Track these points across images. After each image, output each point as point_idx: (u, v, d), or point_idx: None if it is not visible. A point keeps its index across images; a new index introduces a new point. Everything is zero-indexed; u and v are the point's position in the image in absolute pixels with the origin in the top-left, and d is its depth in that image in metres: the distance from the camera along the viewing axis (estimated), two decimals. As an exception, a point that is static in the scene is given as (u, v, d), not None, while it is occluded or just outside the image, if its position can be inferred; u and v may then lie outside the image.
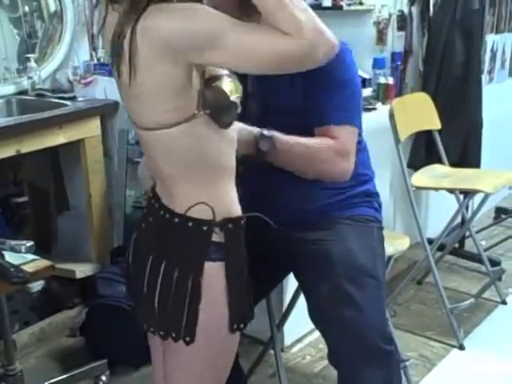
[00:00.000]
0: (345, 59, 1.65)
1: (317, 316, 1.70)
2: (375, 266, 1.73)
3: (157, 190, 1.37)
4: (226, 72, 1.27)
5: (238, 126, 1.38)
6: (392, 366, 1.67)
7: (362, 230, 1.74)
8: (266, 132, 1.58)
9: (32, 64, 2.73)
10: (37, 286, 2.48)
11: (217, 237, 1.29)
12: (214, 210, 1.29)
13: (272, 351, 2.17)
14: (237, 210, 1.34)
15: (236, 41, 1.14)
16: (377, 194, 1.85)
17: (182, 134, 1.23)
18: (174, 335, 1.31)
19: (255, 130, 1.58)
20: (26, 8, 2.81)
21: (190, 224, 1.29)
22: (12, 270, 1.59)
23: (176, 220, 1.29)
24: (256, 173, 1.66)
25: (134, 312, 1.44)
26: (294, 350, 2.61)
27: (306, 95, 1.64)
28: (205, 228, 1.29)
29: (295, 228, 1.71)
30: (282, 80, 1.49)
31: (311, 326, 2.53)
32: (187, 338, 1.30)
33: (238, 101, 1.26)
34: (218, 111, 1.24)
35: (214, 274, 1.30)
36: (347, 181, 1.70)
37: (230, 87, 1.25)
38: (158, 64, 1.17)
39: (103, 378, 2.32)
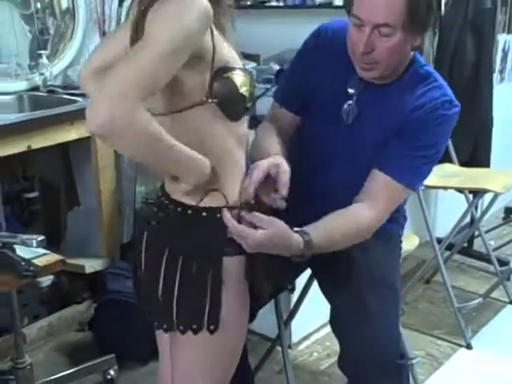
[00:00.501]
0: (447, 126, 1.58)
1: (335, 320, 1.71)
2: (395, 278, 1.73)
3: (166, 186, 1.38)
4: (240, 65, 1.28)
5: (283, 228, 1.35)
6: (402, 381, 1.68)
7: (388, 243, 1.72)
8: (306, 249, 1.41)
9: (44, 60, 2.75)
10: (47, 280, 2.49)
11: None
12: (226, 198, 1.30)
13: (279, 348, 2.18)
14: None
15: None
16: (404, 210, 1.82)
17: (190, 120, 1.25)
18: (194, 327, 1.31)
19: (299, 244, 1.40)
20: (38, 5, 2.82)
21: (204, 214, 1.29)
22: (23, 263, 1.61)
23: (189, 212, 1.30)
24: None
25: (143, 309, 1.44)
26: (301, 347, 2.61)
27: (394, 135, 1.57)
28: (218, 215, 1.29)
29: None
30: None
31: (318, 323, 2.58)
32: (211, 327, 1.30)
33: (247, 94, 1.27)
34: (226, 102, 1.25)
35: (231, 266, 1.31)
36: None
37: (241, 80, 1.26)
38: None
39: (111, 372, 2.33)
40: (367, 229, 1.55)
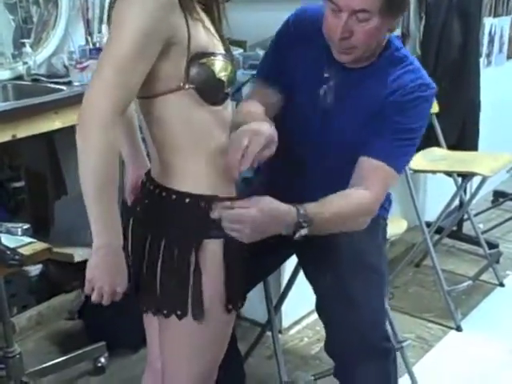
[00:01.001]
0: (423, 107, 1.60)
1: (319, 305, 1.72)
2: (380, 262, 1.74)
3: (152, 173, 1.38)
4: (220, 51, 1.28)
5: (276, 208, 1.35)
6: (388, 363, 1.68)
7: (372, 226, 1.68)
8: (302, 220, 1.40)
9: (27, 49, 2.71)
10: (35, 269, 2.49)
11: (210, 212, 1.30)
12: (213, 186, 1.30)
13: (269, 333, 2.18)
14: (232, 191, 1.36)
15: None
16: (389, 194, 1.80)
17: (170, 104, 1.26)
18: (179, 313, 1.32)
19: (293, 213, 1.39)
20: (22, -7, 2.80)
21: (187, 200, 1.30)
22: (8, 252, 1.60)
23: (173, 197, 1.30)
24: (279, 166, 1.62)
25: (131, 295, 1.43)
26: (292, 331, 2.62)
27: (369, 129, 1.58)
28: (202, 204, 1.29)
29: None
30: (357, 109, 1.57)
31: (309, 308, 2.58)
32: (195, 313, 1.31)
33: (225, 79, 1.28)
34: (203, 87, 1.25)
35: (212, 251, 1.31)
36: None
37: (220, 65, 1.27)
38: None
39: (102, 359, 2.33)
40: (368, 208, 1.54)
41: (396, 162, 1.58)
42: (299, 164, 1.68)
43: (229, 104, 1.36)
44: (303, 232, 1.41)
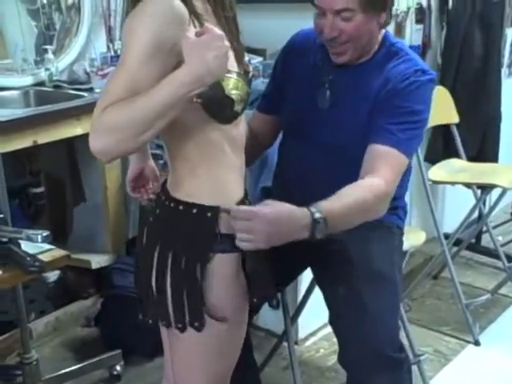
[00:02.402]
0: (423, 91, 1.61)
1: (331, 317, 1.71)
2: (393, 272, 1.72)
3: (167, 184, 1.38)
4: (234, 68, 1.27)
5: (287, 208, 1.30)
6: (402, 374, 1.67)
7: (384, 236, 1.72)
8: (317, 215, 1.33)
9: (49, 56, 2.74)
10: (53, 275, 2.50)
11: (224, 226, 1.29)
12: (219, 197, 1.30)
13: (286, 344, 2.17)
14: (238, 199, 1.35)
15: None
16: (404, 203, 1.82)
17: (180, 116, 1.22)
18: (180, 325, 1.32)
19: (307, 217, 1.33)
20: (44, 0, 2.82)
21: (194, 211, 1.29)
22: (28, 259, 1.60)
23: (181, 207, 1.31)
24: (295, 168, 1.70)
25: (142, 308, 1.43)
26: (308, 343, 2.61)
27: (374, 113, 1.60)
28: (209, 214, 1.29)
29: None
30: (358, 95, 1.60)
31: (325, 319, 2.54)
32: (196, 324, 1.31)
33: (236, 97, 1.25)
34: (210, 104, 1.23)
35: (221, 264, 1.31)
36: None
37: (232, 83, 1.24)
38: None
39: (117, 367, 2.34)
40: (384, 193, 1.49)
41: (403, 146, 1.58)
42: (310, 169, 1.70)
43: (240, 122, 1.34)
44: (321, 229, 1.33)
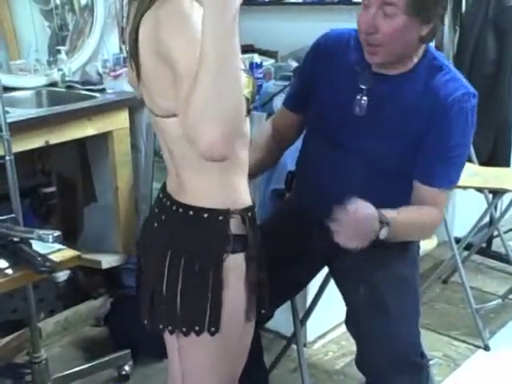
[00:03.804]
0: (470, 119, 1.60)
1: (352, 319, 1.71)
2: (414, 275, 1.73)
3: (168, 188, 1.36)
4: (242, 67, 1.25)
5: (371, 210, 1.48)
6: (423, 380, 1.66)
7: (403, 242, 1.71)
8: (384, 219, 1.50)
9: (62, 56, 2.76)
10: (63, 275, 2.50)
11: (234, 227, 1.29)
12: (228, 199, 1.29)
13: (294, 346, 2.17)
14: (248, 199, 1.34)
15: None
16: None
17: None
18: (197, 329, 1.30)
19: (376, 213, 1.50)
20: (58, 1, 2.84)
21: (206, 215, 1.28)
22: (39, 259, 1.61)
23: (190, 213, 1.29)
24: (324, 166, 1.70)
25: (144, 314, 1.40)
26: (317, 345, 2.60)
27: (419, 147, 1.60)
28: (220, 218, 1.28)
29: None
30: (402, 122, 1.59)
31: (334, 322, 2.56)
32: (212, 329, 1.30)
33: (249, 96, 1.24)
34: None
35: (234, 264, 1.30)
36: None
37: (244, 82, 1.22)
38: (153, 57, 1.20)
39: (126, 367, 2.34)
40: (436, 221, 1.65)
41: (451, 182, 1.64)
42: (329, 175, 1.69)
43: (247, 121, 1.33)
44: (384, 232, 1.49)
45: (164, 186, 1.39)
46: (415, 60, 1.60)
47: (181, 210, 1.30)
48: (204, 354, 1.35)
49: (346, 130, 1.66)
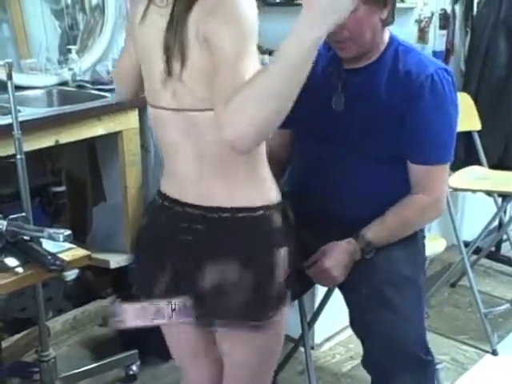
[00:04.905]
0: (444, 90, 1.63)
1: (356, 318, 1.70)
2: (417, 274, 1.73)
3: (181, 196, 1.32)
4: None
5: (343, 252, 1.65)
6: (428, 376, 1.66)
7: (407, 239, 1.73)
8: (364, 243, 1.67)
9: (73, 56, 2.76)
10: (71, 274, 2.51)
11: (276, 222, 1.29)
12: (261, 196, 1.29)
13: (302, 349, 2.16)
14: (278, 195, 1.34)
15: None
16: None
17: None
18: (253, 323, 1.32)
19: (354, 246, 1.67)
20: (69, 0, 2.84)
21: (243, 215, 1.27)
22: (49, 257, 1.61)
23: (240, 215, 1.27)
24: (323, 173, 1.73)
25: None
26: (324, 348, 2.60)
27: (403, 128, 1.64)
28: (268, 213, 1.28)
29: (341, 230, 1.70)
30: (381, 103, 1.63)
31: (342, 324, 2.55)
32: (262, 321, 1.31)
33: None
34: None
35: (282, 255, 1.31)
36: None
37: None
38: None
39: (134, 367, 2.35)
40: (433, 209, 1.70)
41: (442, 157, 1.67)
42: (323, 170, 1.73)
43: None
44: (370, 253, 1.67)
45: (176, 202, 1.33)
46: (381, 48, 1.67)
47: (214, 215, 1.27)
48: (256, 348, 1.39)
49: (331, 128, 1.69)
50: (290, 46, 1.10)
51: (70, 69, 2.73)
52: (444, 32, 3.18)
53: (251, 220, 1.28)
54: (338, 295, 1.93)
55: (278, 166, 1.80)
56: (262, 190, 1.30)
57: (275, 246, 1.30)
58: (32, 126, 2.18)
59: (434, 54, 3.13)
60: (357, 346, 2.21)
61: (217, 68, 1.15)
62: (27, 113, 2.24)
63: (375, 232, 1.66)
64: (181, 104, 1.25)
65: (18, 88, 2.10)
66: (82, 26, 2.89)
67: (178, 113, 1.26)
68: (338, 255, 1.64)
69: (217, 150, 1.24)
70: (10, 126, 1.90)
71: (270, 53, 3.04)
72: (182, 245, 1.32)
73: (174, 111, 1.27)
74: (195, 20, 1.17)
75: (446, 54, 3.19)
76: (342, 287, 1.78)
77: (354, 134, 1.68)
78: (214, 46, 1.14)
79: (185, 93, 1.23)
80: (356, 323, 1.71)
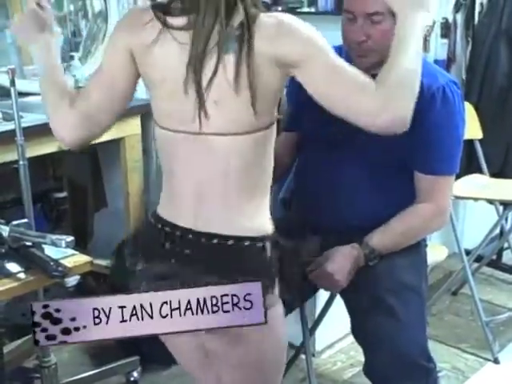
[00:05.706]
0: (454, 103, 1.66)
1: (357, 326, 1.71)
2: (419, 282, 1.74)
3: (196, 221, 1.29)
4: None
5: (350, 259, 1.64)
6: (429, 383, 1.66)
7: (409, 248, 1.74)
8: (368, 249, 1.67)
9: (76, 62, 2.77)
10: (73, 280, 2.51)
11: (269, 252, 1.28)
12: (267, 224, 1.29)
13: (303, 356, 2.16)
14: (271, 226, 1.33)
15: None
16: None
17: (262, 140, 1.23)
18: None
19: (358, 251, 1.67)
20: (71, 7, 2.85)
21: (247, 243, 1.25)
22: (51, 263, 1.61)
23: (246, 243, 1.25)
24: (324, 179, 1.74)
25: None
26: (325, 355, 2.59)
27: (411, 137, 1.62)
28: (259, 245, 1.26)
29: (345, 238, 1.71)
30: None
31: (343, 332, 2.55)
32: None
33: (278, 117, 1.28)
34: (282, 116, 1.27)
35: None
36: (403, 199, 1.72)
37: None
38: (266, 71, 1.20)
39: (135, 374, 2.34)
40: (435, 220, 1.72)
41: (449, 168, 1.69)
42: (330, 181, 1.72)
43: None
44: (373, 260, 1.67)
45: (174, 227, 1.31)
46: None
47: (216, 241, 1.25)
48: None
49: (337, 136, 1.67)
50: (407, 27, 1.29)
51: (73, 75, 2.73)
52: (445, 41, 3.19)
53: (244, 247, 1.26)
54: (339, 302, 1.94)
55: (279, 171, 1.79)
56: (262, 220, 1.29)
57: (269, 276, 1.27)
58: (35, 132, 2.18)
59: (436, 62, 3.13)
60: (358, 354, 2.21)
61: (326, 79, 1.24)
62: (30, 119, 2.24)
63: (379, 239, 1.67)
64: (205, 128, 1.22)
65: (20, 94, 2.10)
66: (84, 33, 2.90)
67: (197, 137, 1.23)
68: (341, 260, 1.64)
69: (237, 183, 1.24)
70: (12, 132, 1.91)
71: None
72: (181, 265, 1.31)
73: (192, 135, 1.24)
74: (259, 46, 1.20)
75: (448, 63, 3.19)
76: (343, 294, 1.78)
77: (363, 141, 1.63)
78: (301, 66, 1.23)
79: (215, 116, 1.21)
80: (357, 330, 1.71)
